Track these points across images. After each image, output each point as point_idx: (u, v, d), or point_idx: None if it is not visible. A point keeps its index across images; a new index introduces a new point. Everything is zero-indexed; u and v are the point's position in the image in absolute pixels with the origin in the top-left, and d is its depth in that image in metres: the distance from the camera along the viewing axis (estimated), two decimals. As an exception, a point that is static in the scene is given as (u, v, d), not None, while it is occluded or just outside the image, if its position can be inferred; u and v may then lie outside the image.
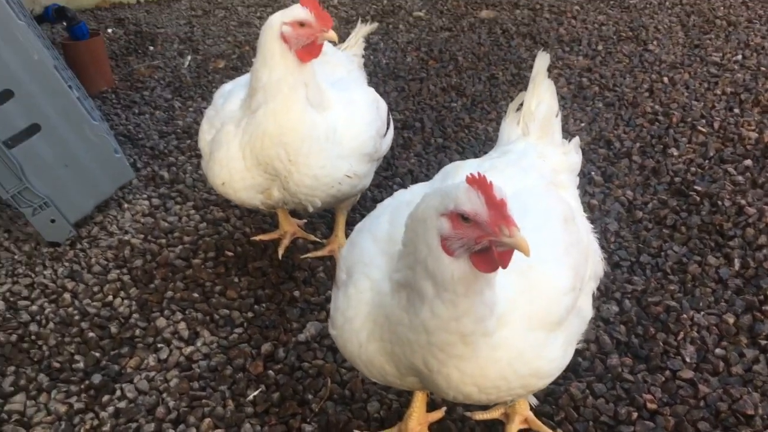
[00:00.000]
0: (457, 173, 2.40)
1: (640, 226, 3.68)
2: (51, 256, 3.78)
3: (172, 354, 3.07)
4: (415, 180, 4.20)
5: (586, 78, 5.50)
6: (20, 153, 3.60)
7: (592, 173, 4.17)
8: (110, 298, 3.43)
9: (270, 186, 3.19)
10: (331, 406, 2.75)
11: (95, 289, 3.50)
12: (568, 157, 2.73)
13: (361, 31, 3.94)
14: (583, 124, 4.79)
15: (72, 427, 2.73)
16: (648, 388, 2.73)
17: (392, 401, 2.75)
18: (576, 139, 2.80)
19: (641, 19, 6.66)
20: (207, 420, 2.70)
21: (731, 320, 3.00)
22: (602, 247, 3.42)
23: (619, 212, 3.80)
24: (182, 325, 3.21)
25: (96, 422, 2.75)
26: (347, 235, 3.19)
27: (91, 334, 3.19)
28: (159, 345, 3.13)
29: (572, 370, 2.80)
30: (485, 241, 1.68)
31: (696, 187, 3.91)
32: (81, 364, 3.04)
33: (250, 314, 3.28)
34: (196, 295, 3.41)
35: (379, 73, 5.91)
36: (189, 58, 6.56)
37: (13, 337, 3.20)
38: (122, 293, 3.46)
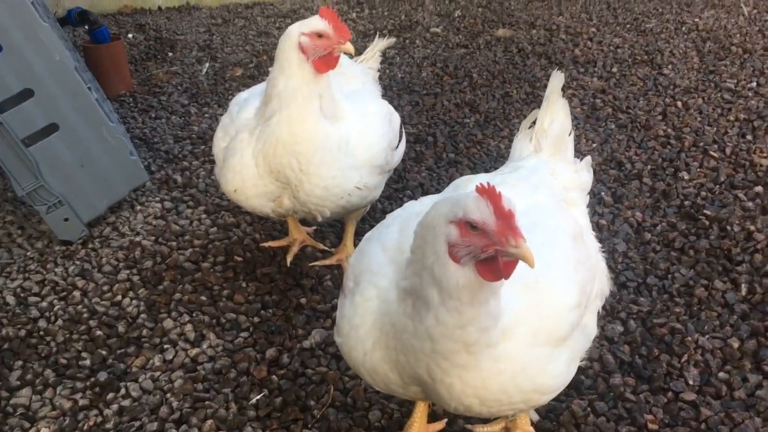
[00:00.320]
0: (467, 187, 2.43)
1: (648, 247, 3.69)
2: (63, 254, 3.82)
3: (177, 355, 3.10)
4: (426, 193, 4.23)
5: (600, 99, 5.52)
6: (37, 151, 3.66)
7: (603, 193, 4.18)
8: (119, 297, 3.47)
9: (281, 194, 3.23)
10: (332, 413, 2.76)
11: (105, 288, 3.54)
12: (580, 175, 2.75)
13: (379, 45, 3.99)
14: (595, 145, 4.81)
15: (76, 423, 2.75)
16: (650, 408, 2.72)
17: (394, 410, 2.76)
18: (588, 158, 2.82)
19: (657, 44, 6.69)
20: (209, 422, 2.72)
21: (736, 345, 2.99)
22: (609, 267, 3.44)
23: (628, 233, 3.81)
24: (189, 327, 3.24)
25: (100, 419, 2.77)
26: (356, 245, 3.21)
27: (98, 332, 3.23)
28: (165, 346, 3.15)
29: (574, 387, 2.80)
30: (491, 250, 1.71)
31: (705, 211, 3.91)
32: (87, 362, 3.07)
33: (256, 319, 3.31)
34: (203, 298, 3.44)
35: (395, 86, 5.96)
36: (207, 65, 6.64)
37: (22, 332, 3.23)
38: (131, 293, 3.50)
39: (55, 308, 3.40)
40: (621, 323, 3.17)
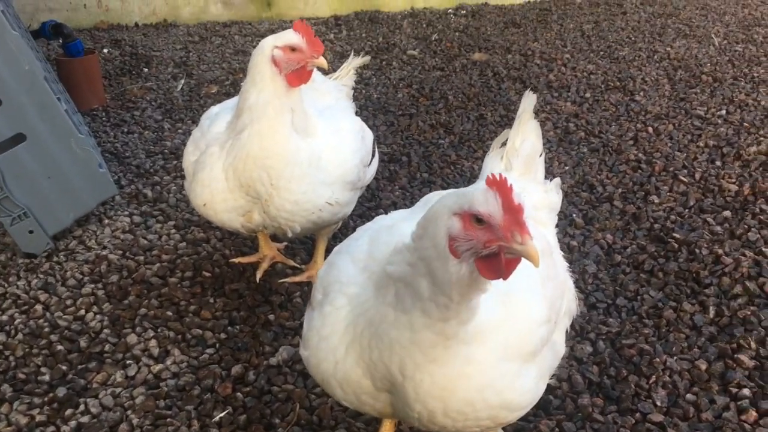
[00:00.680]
0: (439, 202, 2.42)
1: (618, 269, 3.70)
2: (26, 267, 3.74)
3: (140, 371, 3.03)
4: (398, 212, 4.21)
5: (573, 123, 5.58)
6: (3, 161, 3.59)
7: (574, 215, 4.20)
8: (82, 312, 3.39)
9: (251, 209, 3.20)
10: (297, 431, 2.70)
11: (68, 302, 3.46)
12: (549, 195, 2.77)
13: (354, 62, 3.99)
14: (567, 168, 4.84)
15: (32, 440, 2.67)
16: (617, 429, 2.71)
17: (360, 429, 2.71)
18: (557, 180, 2.83)
19: (629, 71, 6.79)
20: (170, 439, 2.65)
21: (703, 367, 3.00)
22: (580, 288, 3.46)
23: (598, 255, 3.82)
24: (153, 343, 3.17)
25: (57, 436, 2.69)
26: (326, 261, 3.18)
27: (59, 347, 3.15)
28: (128, 361, 3.08)
29: (543, 407, 2.78)
30: (495, 246, 1.66)
31: (675, 234, 3.94)
32: (47, 377, 2.99)
33: (222, 335, 3.25)
34: (169, 313, 3.38)
35: (370, 107, 5.97)
36: (182, 81, 6.61)
37: (-20, 346, 3.15)
38: (95, 308, 3.42)
39: (16, 322, 3.31)
40: (590, 344, 3.16)
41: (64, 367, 3.04)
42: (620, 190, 4.50)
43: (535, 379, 2.10)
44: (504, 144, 2.78)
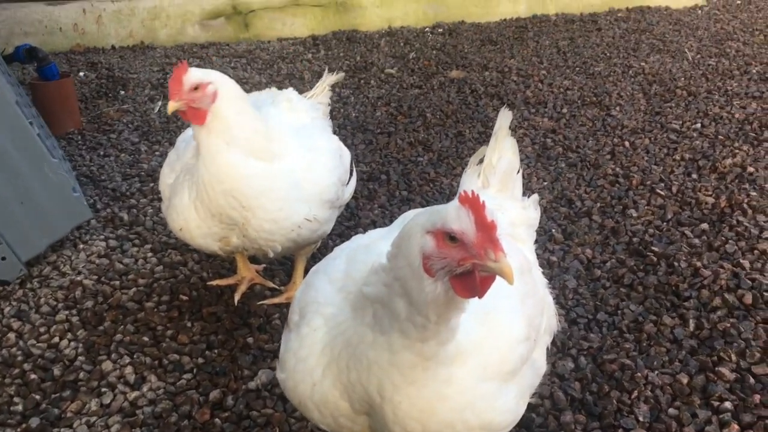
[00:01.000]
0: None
1: (598, 284, 3.70)
2: (-1, 295, 3.66)
3: (116, 399, 2.96)
4: (378, 231, 4.19)
5: (551, 139, 5.61)
6: (-26, 187, 3.53)
7: (553, 230, 4.21)
8: (56, 339, 3.32)
9: (228, 234, 3.17)
10: (277, 457, 2.66)
11: (42, 329, 3.38)
12: (527, 211, 2.76)
13: (328, 80, 3.99)
14: (545, 183, 4.86)
15: (3, 473, 2.60)
16: (601, 446, 2.69)
17: (341, 453, 2.66)
18: (535, 196, 2.83)
19: (605, 86, 6.85)
20: (147, 469, 2.59)
21: (685, 380, 2.99)
22: (560, 304, 3.45)
23: (578, 270, 3.82)
24: (129, 369, 3.11)
25: (29, 468, 2.62)
26: (304, 282, 3.15)
27: (33, 376, 3.08)
28: (103, 389, 3.01)
29: (525, 426, 2.75)
30: (469, 264, 1.64)
31: (653, 248, 3.95)
32: (20, 407, 2.92)
33: (200, 360, 3.19)
34: (146, 338, 3.32)
35: (348, 125, 5.97)
36: (160, 103, 6.57)
37: (-50, 377, 3.07)
38: (69, 335, 3.35)
39: (-12, 351, 3.24)
40: (572, 360, 3.15)
41: (37, 397, 2.97)
42: (598, 205, 4.52)
43: (515, 398, 2.08)
44: (481, 161, 2.78)
